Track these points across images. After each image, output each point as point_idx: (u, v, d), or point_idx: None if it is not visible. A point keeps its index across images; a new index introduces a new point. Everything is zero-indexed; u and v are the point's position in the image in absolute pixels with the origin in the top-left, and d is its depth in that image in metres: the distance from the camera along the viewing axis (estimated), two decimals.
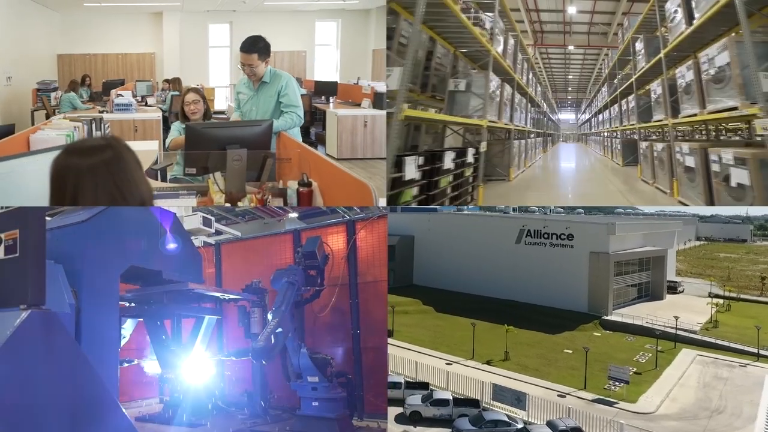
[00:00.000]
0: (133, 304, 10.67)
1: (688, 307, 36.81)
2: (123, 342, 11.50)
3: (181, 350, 11.26)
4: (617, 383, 22.99)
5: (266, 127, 8.45)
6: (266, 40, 9.81)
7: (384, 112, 19.50)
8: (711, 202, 15.34)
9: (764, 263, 67.18)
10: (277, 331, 11.90)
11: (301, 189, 8.24)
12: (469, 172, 18.68)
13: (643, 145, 22.80)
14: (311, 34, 31.30)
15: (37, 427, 4.43)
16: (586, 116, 49.59)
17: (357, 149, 20.04)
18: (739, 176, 13.55)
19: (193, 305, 11.23)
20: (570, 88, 50.07)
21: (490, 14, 19.23)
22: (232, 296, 11.80)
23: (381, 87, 21.22)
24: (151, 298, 10.19)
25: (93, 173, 3.37)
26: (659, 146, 19.80)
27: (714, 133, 21.03)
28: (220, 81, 31.00)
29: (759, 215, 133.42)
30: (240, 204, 8.10)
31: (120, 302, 8.64)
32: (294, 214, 17.74)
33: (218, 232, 17.24)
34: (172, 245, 9.52)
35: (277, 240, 17.54)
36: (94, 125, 11.79)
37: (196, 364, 11.70)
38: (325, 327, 15.31)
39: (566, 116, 58.76)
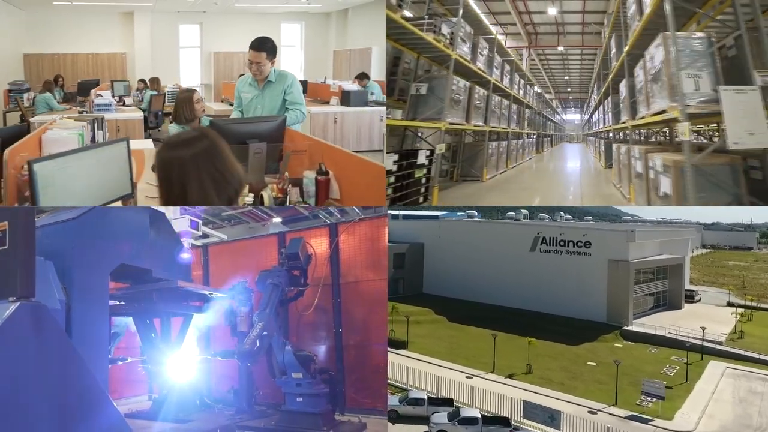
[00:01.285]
0: (122, 303, 10.30)
1: (709, 317, 34.35)
2: (117, 340, 11.13)
3: (169, 348, 10.90)
4: (650, 399, 20.83)
5: (280, 123, 8.84)
6: (273, 41, 9.85)
7: (352, 109, 19.53)
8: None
9: None
10: (263, 334, 11.68)
11: (319, 177, 8.36)
12: (421, 173, 18.45)
13: (614, 147, 22.49)
14: (277, 35, 31.29)
15: (26, 420, 4.13)
16: (587, 117, 48.61)
17: None
18: (665, 184, 12.95)
19: (182, 303, 10.88)
20: (569, 89, 48.45)
21: (453, 19, 19.21)
22: (219, 295, 11.51)
23: (348, 86, 21.15)
24: (141, 296, 9.83)
25: (196, 162, 3.52)
26: (623, 149, 19.40)
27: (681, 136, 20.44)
28: (191, 81, 30.44)
29: (761, 222, 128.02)
30: (263, 193, 8.11)
31: (110, 300, 8.26)
32: (278, 219, 17.50)
33: (205, 235, 16.91)
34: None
35: (263, 242, 17.25)
36: (96, 124, 11.57)
37: (183, 361, 11.35)
38: (309, 325, 15.12)
39: (572, 116, 57.31)
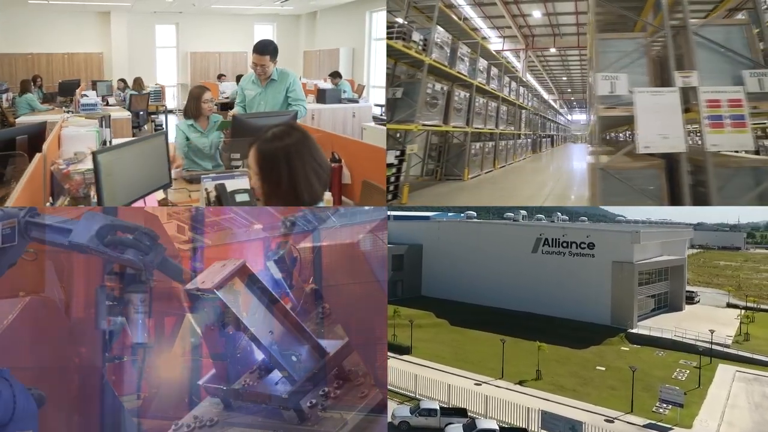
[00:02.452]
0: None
1: (711, 318, 31.93)
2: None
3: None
4: (667, 405, 19.23)
5: (293, 117, 9.20)
6: (275, 43, 10.12)
7: (328, 106, 19.65)
8: None
9: (766, 271, 59.57)
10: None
11: (333, 165, 8.56)
12: (390, 172, 18.55)
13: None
14: (250, 36, 30.96)
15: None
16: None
17: None
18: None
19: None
20: (570, 89, 46.86)
21: (428, 26, 19.38)
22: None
23: (323, 84, 21.40)
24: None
25: (298, 151, 3.55)
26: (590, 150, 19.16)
27: None
28: (168, 81, 29.73)
29: (744, 223, 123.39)
30: None
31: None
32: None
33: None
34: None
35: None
36: (104, 122, 11.45)
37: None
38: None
39: (578, 117, 55.62)
